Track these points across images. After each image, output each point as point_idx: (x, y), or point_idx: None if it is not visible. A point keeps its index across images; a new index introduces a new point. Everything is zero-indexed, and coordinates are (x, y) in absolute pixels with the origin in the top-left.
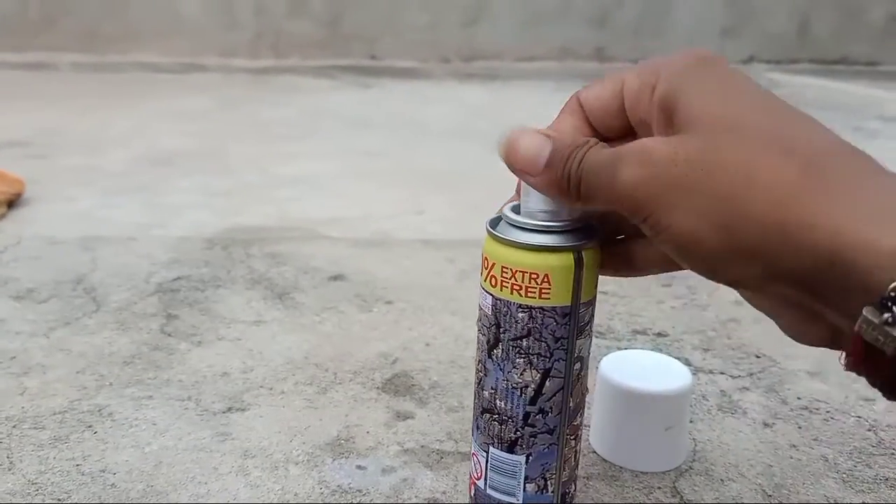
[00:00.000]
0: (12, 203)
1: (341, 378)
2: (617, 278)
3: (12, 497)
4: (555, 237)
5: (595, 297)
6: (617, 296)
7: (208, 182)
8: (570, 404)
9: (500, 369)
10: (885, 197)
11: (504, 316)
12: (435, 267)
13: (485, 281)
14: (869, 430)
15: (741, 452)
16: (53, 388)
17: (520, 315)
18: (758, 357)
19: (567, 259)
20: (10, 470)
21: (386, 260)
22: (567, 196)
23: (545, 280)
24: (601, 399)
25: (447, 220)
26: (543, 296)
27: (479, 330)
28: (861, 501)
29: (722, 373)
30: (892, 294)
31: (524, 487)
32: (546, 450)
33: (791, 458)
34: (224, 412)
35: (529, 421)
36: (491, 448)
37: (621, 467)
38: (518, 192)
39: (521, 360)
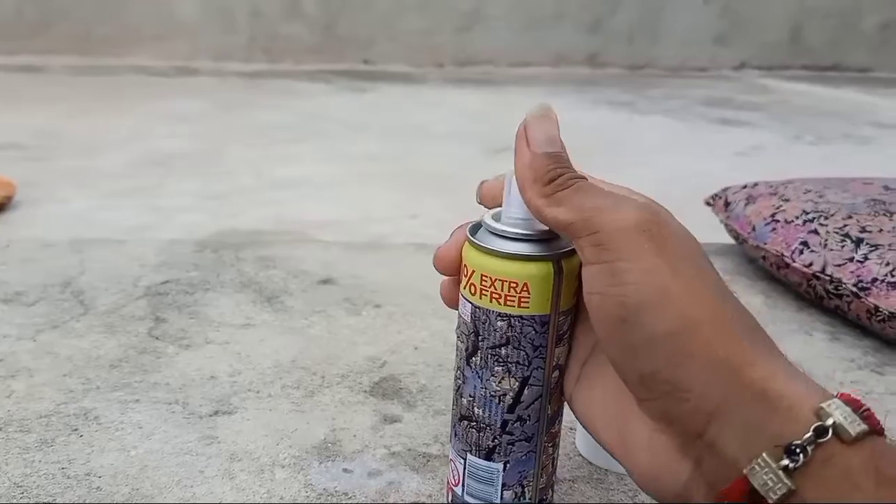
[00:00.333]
0: (3, 206)
1: (329, 381)
2: None
3: None
4: (535, 246)
5: (574, 305)
6: None
7: (202, 185)
8: (549, 412)
9: (479, 377)
10: (798, 373)
11: (483, 324)
12: (425, 271)
13: (464, 288)
14: None
15: None
16: (40, 391)
17: (499, 323)
18: None
19: (546, 268)
20: None
21: (377, 264)
22: (537, 186)
23: (524, 289)
24: None
25: (441, 224)
26: (523, 304)
27: (457, 337)
28: None
29: None
30: (804, 444)
31: (501, 495)
32: (524, 457)
33: None
34: (211, 415)
35: (507, 429)
36: (469, 455)
37: (606, 470)
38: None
39: (500, 368)
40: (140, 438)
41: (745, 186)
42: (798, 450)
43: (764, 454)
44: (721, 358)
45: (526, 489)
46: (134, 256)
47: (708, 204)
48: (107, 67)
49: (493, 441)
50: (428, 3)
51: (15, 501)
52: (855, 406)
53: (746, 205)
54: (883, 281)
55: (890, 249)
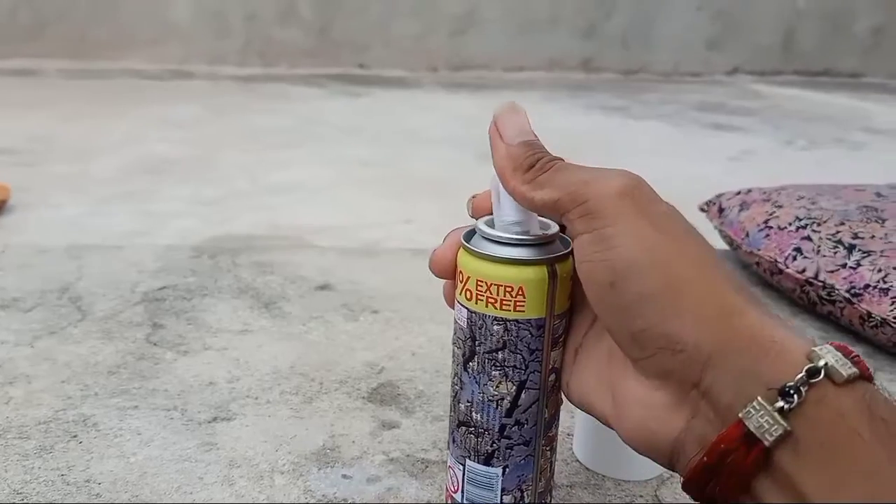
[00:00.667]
0: None
1: (327, 387)
2: None
3: None
4: (529, 250)
5: (569, 309)
6: None
7: (197, 190)
8: (546, 415)
9: (476, 382)
10: (785, 323)
11: (479, 329)
12: (422, 276)
13: (460, 294)
14: None
15: None
16: (38, 397)
17: (495, 328)
18: None
19: (541, 272)
20: None
21: (374, 269)
22: (517, 174)
23: (520, 293)
24: None
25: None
26: (518, 308)
27: (454, 343)
28: None
29: None
30: (797, 385)
31: (501, 499)
32: (522, 461)
33: None
34: (209, 422)
35: (506, 433)
36: (467, 461)
37: (603, 476)
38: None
39: (497, 372)
40: (139, 445)
41: (738, 193)
42: (792, 391)
43: (759, 397)
44: (711, 309)
45: (525, 493)
46: (131, 262)
47: (702, 210)
48: (100, 71)
49: (491, 446)
50: (422, 8)
51: None
52: (845, 352)
53: (740, 211)
54: (875, 287)
55: (882, 256)
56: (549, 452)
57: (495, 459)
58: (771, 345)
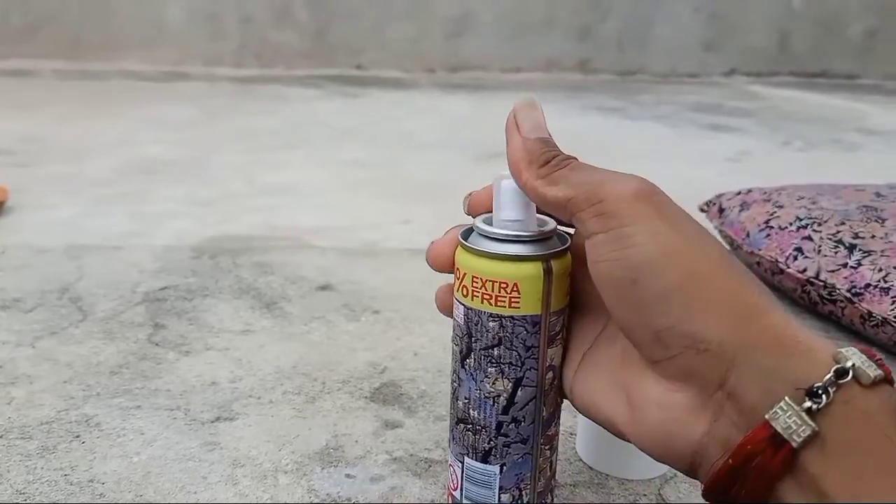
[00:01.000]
0: None
1: (329, 387)
2: None
3: None
4: (524, 247)
5: (566, 306)
6: None
7: (193, 191)
8: (544, 413)
9: (473, 379)
10: (802, 325)
11: (475, 325)
12: (422, 276)
13: (457, 291)
14: None
15: None
16: (40, 398)
17: (490, 324)
18: None
19: (536, 268)
20: None
21: (373, 269)
22: (532, 168)
23: (514, 289)
24: None
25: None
26: (513, 304)
27: (452, 340)
28: None
29: None
30: (825, 385)
31: (499, 498)
32: (520, 459)
33: None
34: (212, 422)
35: (503, 430)
36: (466, 458)
37: (607, 475)
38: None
39: (493, 369)
40: (142, 445)
41: (739, 193)
42: (820, 391)
43: (786, 397)
44: (735, 306)
45: (523, 492)
46: (131, 262)
47: (702, 210)
48: (95, 72)
49: (488, 443)
50: (417, 11)
51: None
52: (869, 354)
53: (741, 211)
54: (876, 286)
55: (882, 255)
56: (548, 451)
57: (492, 457)
58: (796, 344)
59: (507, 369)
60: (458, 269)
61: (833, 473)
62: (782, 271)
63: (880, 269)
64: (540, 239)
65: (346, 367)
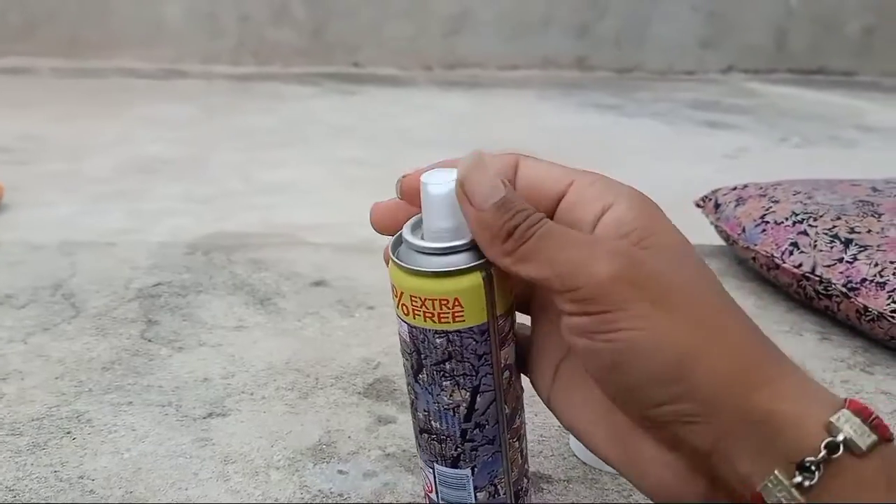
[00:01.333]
0: None
1: (323, 383)
2: None
3: None
4: (460, 257)
5: (513, 304)
6: None
7: (191, 189)
8: (507, 411)
9: (429, 393)
10: (806, 383)
11: (422, 343)
12: None
13: (397, 308)
14: None
15: None
16: (31, 394)
17: (438, 341)
18: None
19: (476, 279)
20: None
21: (369, 265)
22: (496, 244)
23: (456, 304)
24: None
25: None
26: (457, 319)
27: (401, 354)
28: None
29: None
30: (817, 460)
31: (475, 497)
32: (490, 459)
33: None
34: (204, 418)
35: (468, 437)
36: (436, 465)
37: (600, 470)
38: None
39: (448, 382)
40: (133, 441)
41: (734, 188)
42: (812, 466)
43: (776, 471)
44: (725, 386)
45: (499, 487)
46: (125, 259)
47: (698, 206)
48: (94, 70)
49: (455, 450)
50: (414, 10)
51: None
52: (864, 416)
53: (736, 206)
54: (872, 281)
55: (878, 250)
56: (517, 443)
57: (462, 462)
58: (788, 418)
59: (462, 380)
60: (393, 286)
61: None
62: (778, 266)
63: (876, 264)
64: (474, 245)
65: (339, 362)
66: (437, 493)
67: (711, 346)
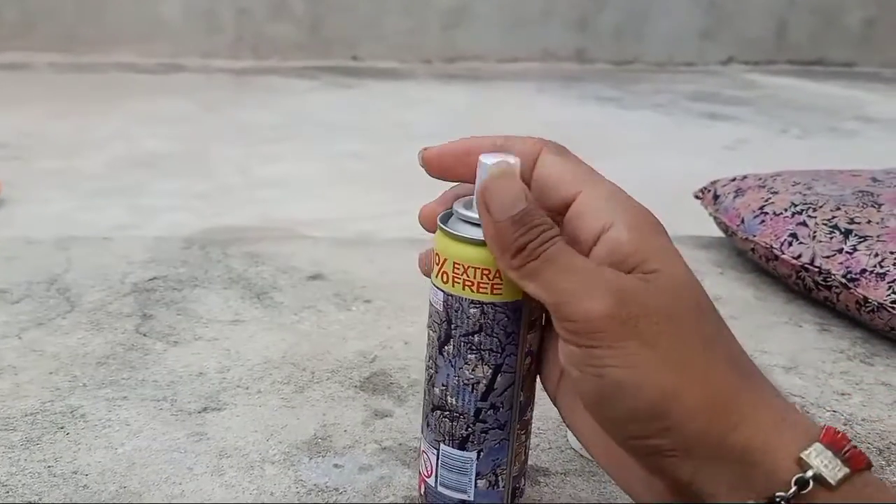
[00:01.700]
0: None
1: (319, 377)
2: None
3: None
4: None
5: None
6: None
7: (188, 184)
8: (521, 399)
9: (452, 366)
10: (785, 414)
11: (456, 312)
12: (415, 265)
13: (436, 277)
14: (844, 424)
15: None
16: (25, 389)
17: (471, 311)
18: None
19: None
20: None
21: (366, 259)
22: (505, 257)
23: (497, 275)
24: None
25: None
26: (495, 291)
27: (429, 327)
28: None
29: None
30: (787, 496)
31: (475, 484)
32: (497, 445)
33: None
34: (199, 412)
35: (481, 417)
36: (442, 445)
37: (598, 463)
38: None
39: (473, 356)
40: (127, 436)
41: (733, 179)
42: (782, 502)
43: None
44: (702, 429)
45: (499, 478)
46: (121, 254)
47: (697, 197)
48: (91, 65)
49: (466, 430)
50: (413, 1)
51: (0, 501)
52: (837, 448)
53: (735, 197)
54: (871, 272)
55: (878, 240)
56: (524, 437)
57: (470, 443)
58: (762, 455)
59: (487, 356)
60: (437, 254)
61: None
62: (777, 257)
63: (876, 255)
64: None
65: (335, 356)
66: (436, 476)
67: (692, 386)
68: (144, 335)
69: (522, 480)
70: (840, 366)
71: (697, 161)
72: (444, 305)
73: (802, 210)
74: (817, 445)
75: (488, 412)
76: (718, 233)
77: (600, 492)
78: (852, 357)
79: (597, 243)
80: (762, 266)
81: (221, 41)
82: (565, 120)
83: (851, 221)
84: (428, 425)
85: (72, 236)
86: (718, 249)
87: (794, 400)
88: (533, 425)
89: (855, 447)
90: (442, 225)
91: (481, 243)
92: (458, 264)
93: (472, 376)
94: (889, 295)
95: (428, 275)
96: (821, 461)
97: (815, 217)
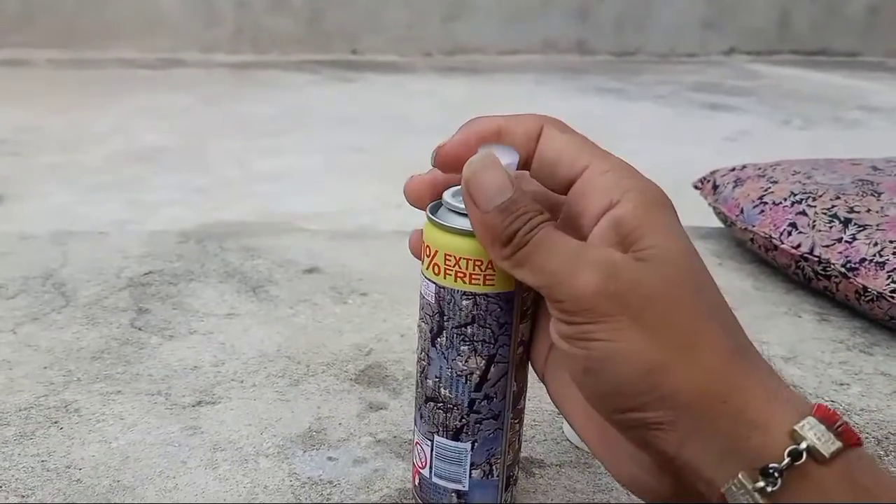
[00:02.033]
0: None
1: (314, 370)
2: None
3: None
4: None
5: None
6: None
7: (188, 178)
8: (514, 388)
9: (445, 357)
10: (777, 390)
11: (448, 304)
12: (412, 259)
13: (427, 269)
14: (843, 414)
15: None
16: (19, 383)
17: (464, 302)
18: None
19: None
20: None
21: (363, 252)
22: (496, 248)
23: (489, 266)
24: None
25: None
26: (488, 282)
27: (421, 319)
28: None
29: None
30: (780, 467)
31: (470, 474)
32: (491, 435)
33: None
34: (194, 406)
35: (475, 408)
36: (436, 436)
37: (593, 454)
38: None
39: (466, 347)
40: (122, 430)
41: (733, 169)
42: (775, 472)
43: (740, 475)
44: (690, 401)
45: (494, 467)
46: (116, 248)
47: (696, 187)
48: (91, 61)
49: (460, 421)
50: None
51: None
52: (830, 423)
53: (734, 187)
54: (871, 261)
55: (878, 229)
56: (517, 426)
57: (464, 434)
58: (754, 427)
59: (480, 347)
60: (427, 246)
61: None
62: (776, 247)
63: (875, 244)
64: None
65: (331, 349)
66: (430, 468)
67: (682, 361)
68: (139, 329)
69: (515, 469)
70: (839, 356)
71: (699, 152)
72: (436, 297)
73: (802, 199)
74: (810, 419)
75: (482, 403)
76: (718, 223)
77: (595, 483)
78: (851, 347)
79: (601, 219)
80: (761, 256)
81: (221, 35)
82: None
83: (851, 210)
84: (421, 417)
85: (68, 231)
86: (718, 240)
87: (794, 390)
88: (528, 417)
89: (847, 423)
90: (432, 216)
91: (472, 234)
92: (450, 256)
93: (465, 367)
94: (888, 284)
95: (419, 257)
96: (814, 434)
97: (815, 206)
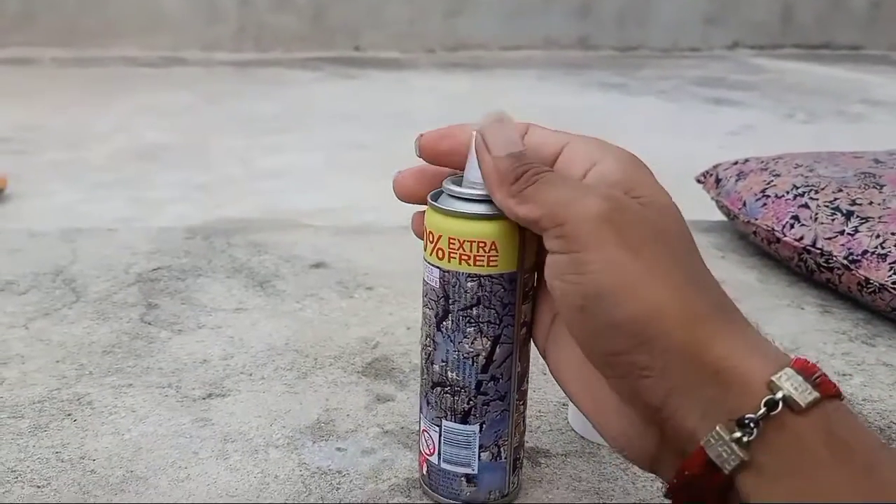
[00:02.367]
0: None
1: (322, 363)
2: None
3: None
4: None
5: (536, 263)
6: None
7: (191, 176)
8: (518, 369)
9: (451, 341)
10: (756, 341)
11: (453, 287)
12: (417, 252)
13: (430, 255)
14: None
15: None
16: (32, 377)
17: (469, 284)
18: None
19: (512, 225)
20: None
21: (368, 247)
22: (504, 186)
23: (493, 247)
24: None
25: None
26: (491, 263)
27: (424, 305)
28: None
29: None
30: (756, 417)
31: (479, 457)
32: (499, 416)
33: None
34: (204, 398)
35: (482, 389)
36: (444, 421)
37: (599, 444)
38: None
39: (472, 329)
40: (134, 422)
41: (735, 163)
42: (751, 423)
43: (718, 427)
44: (681, 342)
45: (502, 449)
46: (125, 244)
47: (699, 181)
48: (93, 59)
49: (468, 403)
50: None
51: (9, 487)
52: (807, 374)
53: (737, 181)
54: (873, 253)
55: (880, 222)
56: (522, 407)
57: (472, 417)
58: (734, 376)
59: (485, 328)
60: (430, 232)
61: (766, 496)
62: (779, 240)
63: (878, 236)
64: None
65: (338, 342)
66: (438, 454)
67: (673, 299)
68: (149, 324)
69: (521, 452)
70: (841, 347)
71: (702, 146)
72: (440, 282)
73: (804, 192)
74: (788, 370)
75: (489, 384)
76: (721, 216)
77: (601, 472)
78: (854, 338)
79: (586, 176)
80: (764, 249)
81: (223, 32)
82: (569, 106)
83: (853, 203)
84: (428, 403)
85: (77, 228)
86: (720, 233)
87: None
88: (534, 408)
89: (825, 374)
90: (433, 202)
91: (476, 217)
92: (454, 239)
93: (471, 349)
94: (890, 276)
95: (421, 237)
96: (791, 384)
97: (817, 199)
